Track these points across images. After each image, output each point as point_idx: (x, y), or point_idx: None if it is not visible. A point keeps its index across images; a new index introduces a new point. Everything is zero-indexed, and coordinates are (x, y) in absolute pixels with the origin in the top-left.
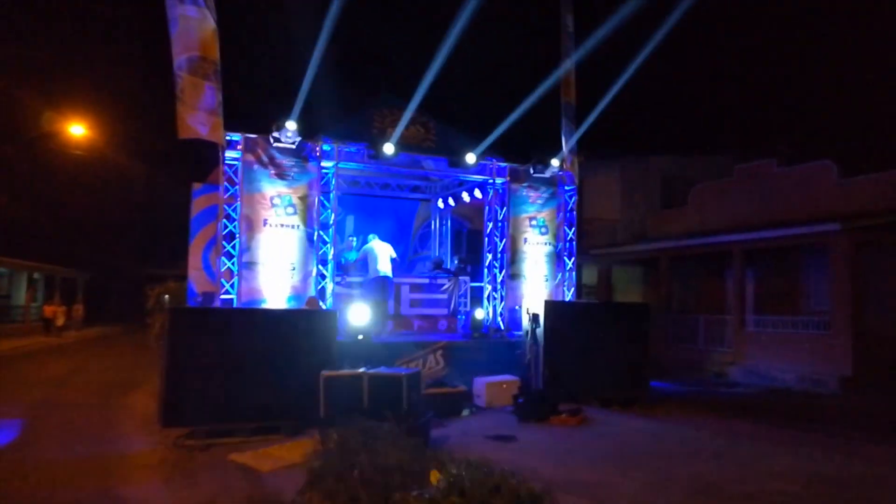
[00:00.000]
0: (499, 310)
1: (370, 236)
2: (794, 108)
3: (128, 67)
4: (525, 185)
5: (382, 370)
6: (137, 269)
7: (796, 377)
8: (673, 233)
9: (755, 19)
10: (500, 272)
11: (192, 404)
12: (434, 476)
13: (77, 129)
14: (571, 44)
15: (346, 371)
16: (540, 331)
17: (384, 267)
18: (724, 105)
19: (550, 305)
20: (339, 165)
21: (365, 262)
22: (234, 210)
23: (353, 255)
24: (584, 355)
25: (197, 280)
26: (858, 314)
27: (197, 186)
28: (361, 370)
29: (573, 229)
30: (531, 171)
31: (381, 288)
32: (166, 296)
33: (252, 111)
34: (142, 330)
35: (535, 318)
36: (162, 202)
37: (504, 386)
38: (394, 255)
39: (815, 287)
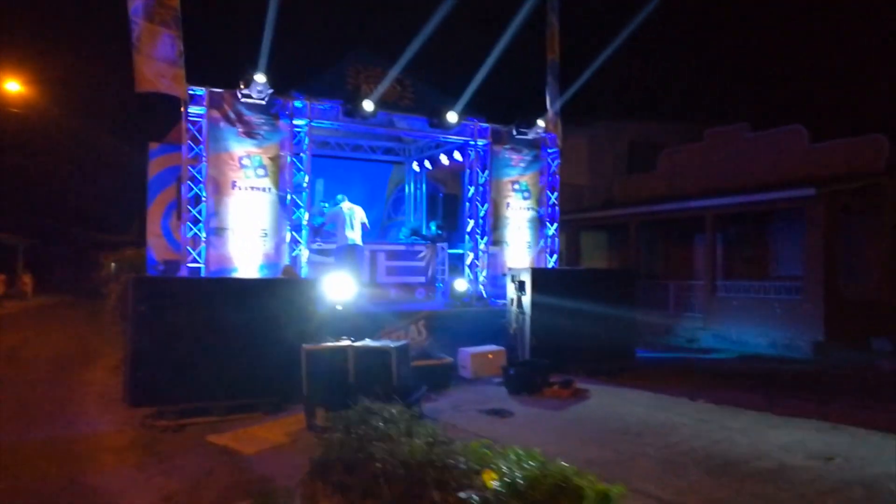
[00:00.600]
0: (480, 278)
1: (339, 197)
2: (762, 74)
3: (75, 15)
4: (507, 146)
5: (368, 342)
6: (84, 234)
7: (768, 342)
8: (641, 198)
9: None
10: (482, 238)
11: (162, 381)
12: (488, 476)
13: (12, 86)
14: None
15: (328, 344)
16: (526, 299)
17: (353, 233)
18: (692, 70)
19: (537, 272)
20: (313, 124)
21: (333, 228)
22: (199, 172)
23: (318, 220)
24: (570, 324)
25: (157, 247)
26: (831, 279)
27: (154, 146)
28: (346, 342)
29: (555, 193)
30: (514, 133)
31: (349, 256)
32: (112, 264)
33: (217, 63)
34: (93, 299)
35: (520, 285)
36: (111, 163)
37: (490, 356)
38: (365, 220)
39: (786, 252)
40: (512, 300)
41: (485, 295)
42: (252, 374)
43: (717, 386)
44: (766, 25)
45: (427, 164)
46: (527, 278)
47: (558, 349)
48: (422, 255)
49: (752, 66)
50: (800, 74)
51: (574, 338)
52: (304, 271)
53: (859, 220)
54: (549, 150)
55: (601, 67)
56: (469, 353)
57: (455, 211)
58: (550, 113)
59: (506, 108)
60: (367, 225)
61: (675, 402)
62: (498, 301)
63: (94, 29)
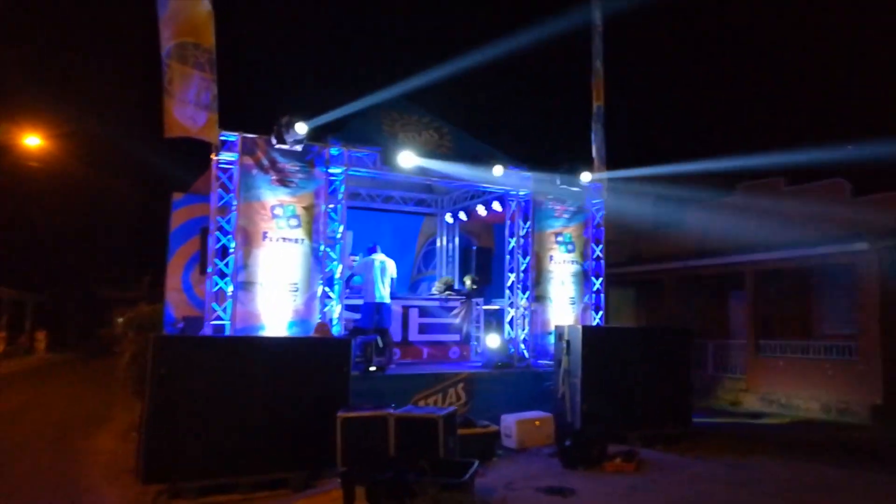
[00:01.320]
0: (522, 336)
1: (370, 245)
2: (793, 127)
3: (95, 63)
4: (550, 197)
5: (411, 410)
6: (96, 290)
7: (820, 406)
8: (671, 253)
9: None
10: (524, 294)
11: (181, 454)
12: None
13: (32, 140)
14: (601, 42)
15: (367, 412)
16: (575, 359)
17: (383, 290)
18: (719, 124)
19: (587, 331)
20: (349, 172)
21: (362, 280)
22: (228, 222)
23: (349, 276)
24: (624, 387)
25: (176, 303)
26: (888, 338)
27: (178, 196)
28: (387, 410)
29: (600, 246)
30: (558, 182)
31: (375, 313)
32: (120, 319)
33: (249, 108)
34: (104, 358)
35: (568, 345)
36: (130, 216)
37: (537, 423)
38: (395, 274)
39: (832, 310)
40: (559, 361)
41: (527, 355)
42: (281, 445)
43: (785, 458)
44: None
45: (462, 215)
46: (576, 337)
47: (612, 415)
48: (456, 311)
49: (782, 119)
50: (833, 128)
51: (628, 403)
52: (337, 329)
53: None
54: (594, 201)
55: (627, 121)
56: (514, 421)
57: (489, 265)
58: (596, 161)
59: (548, 155)
60: (395, 280)
61: (750, 477)
62: (540, 362)
63: (116, 76)
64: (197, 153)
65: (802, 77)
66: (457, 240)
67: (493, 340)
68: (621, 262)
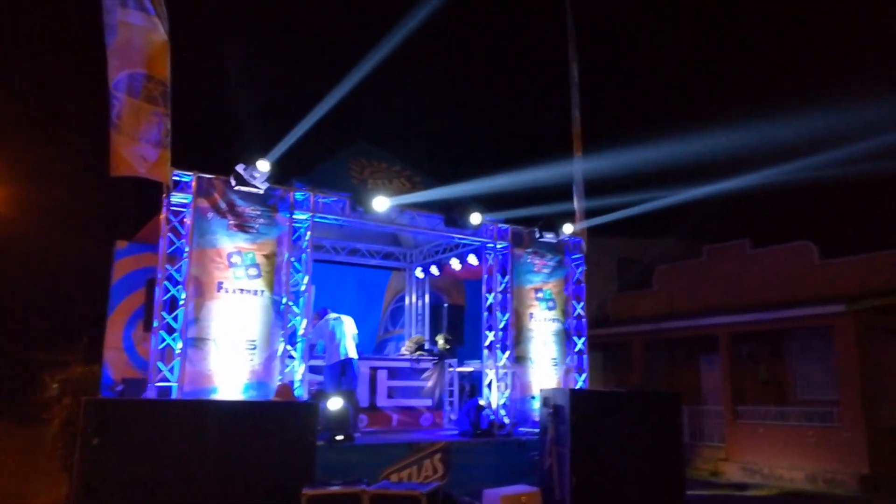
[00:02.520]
0: (501, 400)
1: (319, 309)
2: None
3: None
4: (529, 250)
5: (388, 486)
6: (24, 352)
7: (805, 476)
8: (638, 316)
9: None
10: (503, 354)
11: None
12: None
13: None
14: (577, 94)
15: (337, 488)
16: (564, 427)
17: (345, 344)
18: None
19: (577, 395)
20: (316, 219)
21: (322, 345)
22: (179, 270)
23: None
24: (615, 457)
25: (115, 363)
26: (870, 403)
27: (122, 245)
28: (360, 486)
29: (581, 304)
30: (537, 235)
31: (340, 374)
32: (55, 385)
33: (206, 147)
34: (32, 426)
35: (556, 411)
36: (63, 267)
37: (523, 500)
38: (354, 332)
39: (809, 373)
40: (545, 428)
41: (507, 421)
42: None
43: None
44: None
45: (434, 269)
46: (564, 402)
47: (604, 489)
48: (428, 373)
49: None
50: (798, 191)
51: (620, 475)
52: (300, 392)
53: (885, 338)
54: (574, 256)
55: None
56: (499, 497)
57: (461, 323)
58: (578, 214)
59: (525, 207)
60: (356, 339)
61: None
62: (521, 429)
63: (52, 107)
64: (144, 195)
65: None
66: (427, 297)
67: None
68: (588, 324)
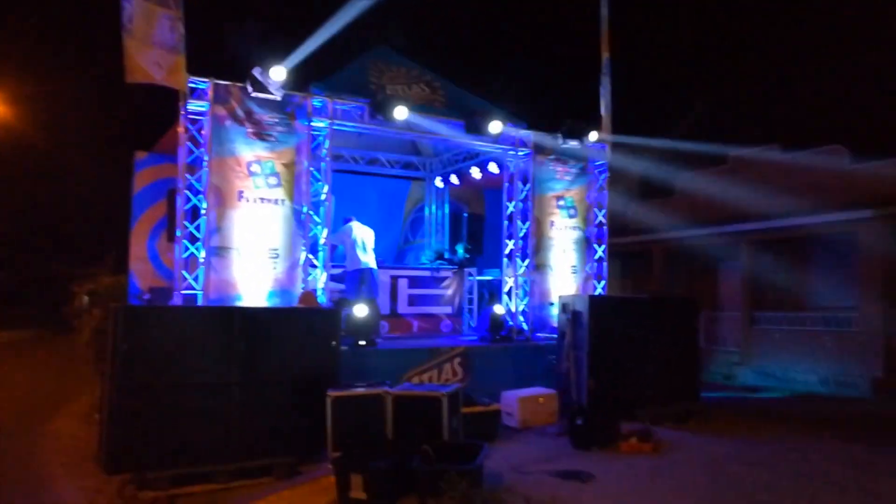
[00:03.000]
0: (520, 307)
1: (346, 217)
2: (784, 92)
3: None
4: (552, 157)
5: (410, 388)
6: (55, 267)
7: (818, 379)
8: (660, 224)
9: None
10: (523, 262)
11: (149, 440)
12: None
13: None
14: None
15: (361, 390)
16: (582, 332)
17: (365, 256)
18: (708, 90)
19: (595, 301)
20: (334, 126)
21: (342, 250)
22: (199, 180)
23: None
24: (632, 362)
25: (141, 273)
26: (890, 309)
27: (141, 156)
28: (383, 388)
29: (603, 211)
30: (560, 141)
31: (360, 281)
32: (85, 296)
33: (223, 52)
34: (64, 334)
35: (575, 316)
36: (88, 180)
37: (541, 401)
38: (373, 244)
39: (830, 280)
40: (563, 333)
41: (526, 327)
42: (263, 428)
43: (802, 434)
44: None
45: (454, 178)
46: (583, 308)
47: (620, 390)
48: (447, 282)
49: (772, 84)
50: (827, 91)
51: (637, 378)
52: (322, 299)
53: None
54: (597, 163)
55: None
56: (516, 398)
57: (480, 233)
58: (603, 118)
59: (550, 112)
60: (374, 250)
61: (778, 458)
62: (539, 335)
63: (63, 20)
64: (162, 104)
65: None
66: (447, 207)
67: (498, 310)
68: (610, 232)
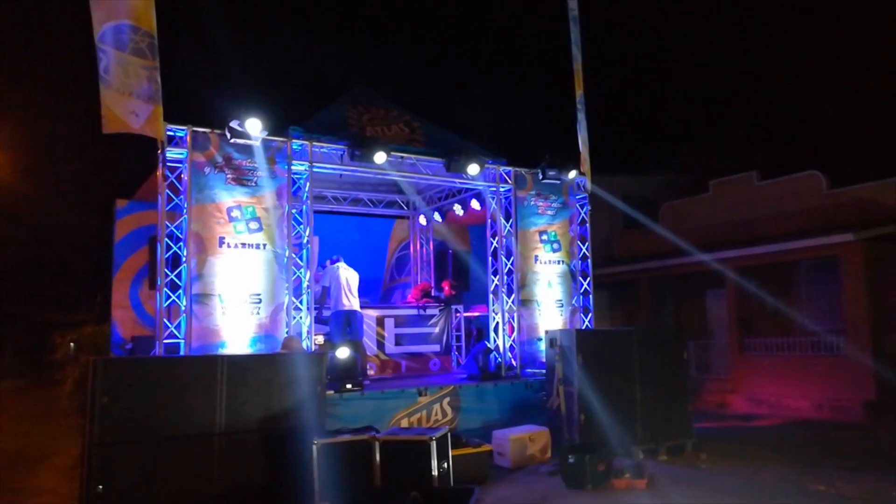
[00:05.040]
0: (508, 343)
1: (333, 256)
2: (762, 121)
3: (24, 60)
4: (533, 192)
5: (397, 432)
6: (39, 314)
7: (812, 405)
8: (644, 253)
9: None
10: (509, 297)
11: (131, 497)
12: None
13: None
14: (577, 29)
15: (347, 436)
16: (571, 367)
17: (348, 298)
18: (687, 122)
19: (583, 336)
20: (314, 169)
21: (327, 292)
22: (179, 228)
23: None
24: (623, 395)
25: (123, 322)
26: (877, 331)
27: (122, 204)
28: (370, 434)
29: (587, 244)
30: (540, 176)
31: (344, 323)
32: (71, 344)
33: (200, 100)
34: (46, 386)
35: (563, 351)
36: (70, 229)
37: (531, 439)
38: (356, 285)
39: (816, 304)
40: (552, 369)
41: (514, 364)
42: (248, 478)
43: (801, 463)
44: (761, 77)
45: (436, 216)
46: (570, 343)
47: (612, 426)
48: (434, 319)
49: (751, 114)
50: (806, 120)
51: (628, 412)
52: (307, 343)
53: (893, 267)
54: (578, 196)
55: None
56: (507, 437)
57: (466, 269)
58: (582, 152)
59: (528, 149)
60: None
61: (780, 491)
62: (528, 370)
63: (46, 76)
64: (140, 153)
65: (776, 68)
66: (431, 244)
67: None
68: (594, 263)
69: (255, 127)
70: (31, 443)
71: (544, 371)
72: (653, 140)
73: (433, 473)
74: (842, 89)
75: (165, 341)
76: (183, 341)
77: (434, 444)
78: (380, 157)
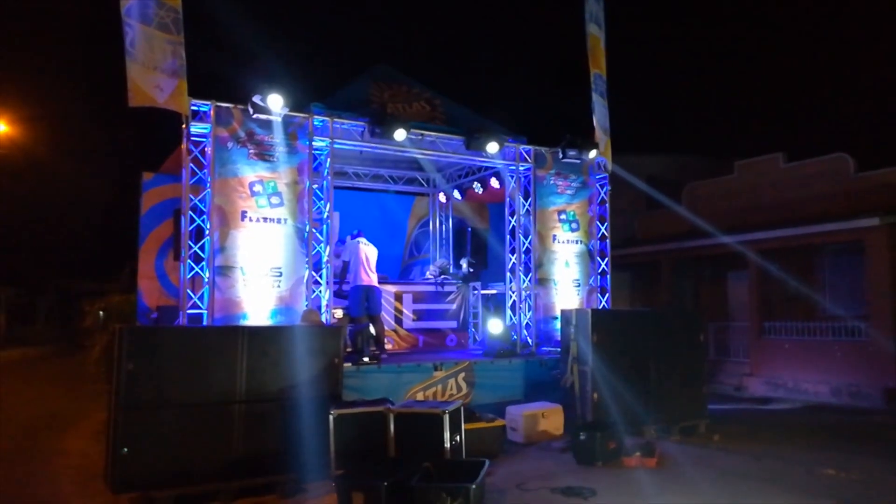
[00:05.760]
0: (524, 321)
1: (355, 231)
2: (789, 103)
3: (55, 37)
4: (552, 172)
5: (411, 405)
6: (70, 283)
7: (830, 390)
8: (667, 234)
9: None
10: (526, 276)
11: (154, 459)
12: None
13: None
14: (596, 5)
15: (362, 407)
16: (586, 346)
17: (367, 274)
18: (713, 101)
19: (598, 315)
20: (335, 145)
21: (347, 267)
22: (203, 201)
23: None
24: (636, 375)
25: (149, 292)
26: None
27: (148, 177)
28: (385, 406)
29: (605, 224)
30: (560, 156)
31: (363, 298)
32: (100, 312)
33: (224, 75)
34: (75, 352)
35: (577, 330)
36: (100, 201)
37: (544, 416)
38: (375, 261)
39: (839, 289)
40: (567, 347)
41: (530, 342)
42: (267, 446)
43: (814, 446)
44: (790, 54)
45: (456, 194)
46: (585, 321)
47: (625, 405)
48: (452, 296)
49: (777, 95)
50: (833, 101)
51: (641, 391)
52: (326, 317)
53: None
54: (598, 176)
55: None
56: (520, 413)
57: (485, 247)
58: (599, 133)
59: (548, 128)
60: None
61: (789, 472)
62: (544, 349)
63: (78, 52)
64: (166, 127)
65: (802, 50)
66: (450, 221)
67: (494, 326)
68: (616, 244)
69: (276, 102)
70: (60, 407)
71: (559, 349)
72: (679, 121)
73: (445, 446)
74: (872, 71)
75: (189, 311)
76: (206, 312)
77: (447, 418)
78: (399, 135)
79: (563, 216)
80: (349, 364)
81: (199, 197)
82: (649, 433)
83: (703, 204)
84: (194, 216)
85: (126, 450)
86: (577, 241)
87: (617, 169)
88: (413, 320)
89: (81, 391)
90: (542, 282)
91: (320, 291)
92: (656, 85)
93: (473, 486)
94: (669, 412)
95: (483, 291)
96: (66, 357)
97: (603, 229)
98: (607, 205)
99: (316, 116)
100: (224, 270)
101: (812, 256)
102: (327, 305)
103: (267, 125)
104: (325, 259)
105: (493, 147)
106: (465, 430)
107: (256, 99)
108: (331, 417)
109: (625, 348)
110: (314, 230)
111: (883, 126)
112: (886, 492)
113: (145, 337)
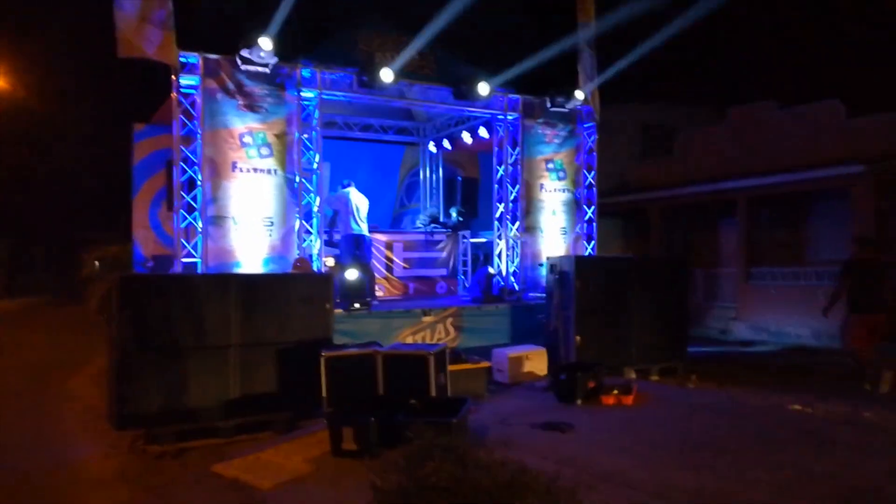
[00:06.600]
0: (511, 268)
1: (345, 181)
2: (783, 48)
3: None
4: (540, 121)
5: (399, 347)
6: (66, 232)
7: (811, 332)
8: (659, 182)
9: None
10: (513, 224)
11: (155, 398)
12: None
13: None
14: None
15: (352, 350)
16: (569, 292)
17: (358, 223)
18: (706, 47)
19: (582, 262)
20: (323, 96)
21: (337, 217)
22: (193, 152)
23: (329, 211)
24: (618, 319)
25: (144, 241)
26: None
27: (139, 128)
28: (374, 348)
29: (592, 173)
30: (548, 105)
31: (354, 246)
32: (96, 262)
33: (212, 26)
34: (75, 301)
35: (562, 276)
36: (94, 152)
37: (529, 358)
38: (366, 211)
39: (824, 236)
40: (551, 293)
41: (517, 288)
42: (262, 386)
43: (786, 388)
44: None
45: (446, 143)
46: (570, 268)
47: (606, 348)
48: (442, 244)
49: (770, 40)
50: (824, 46)
51: (623, 334)
52: (317, 265)
53: None
54: (586, 125)
55: (610, 46)
56: (506, 355)
57: (474, 196)
58: (585, 82)
59: (536, 77)
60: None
61: (754, 408)
62: (531, 294)
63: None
64: (157, 76)
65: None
66: (441, 171)
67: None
68: (606, 192)
69: (266, 44)
70: (61, 354)
71: (545, 295)
72: (673, 69)
73: (431, 385)
74: (865, 16)
75: (184, 260)
76: (200, 260)
77: (433, 359)
78: (386, 76)
79: (550, 165)
80: (340, 310)
81: (190, 148)
82: (629, 374)
83: (697, 152)
84: (186, 167)
85: (125, 393)
86: (564, 190)
87: (611, 115)
88: (404, 268)
89: (81, 338)
90: (530, 230)
91: (311, 240)
92: (651, 34)
93: (454, 421)
94: (649, 354)
95: (473, 240)
96: (66, 306)
97: (590, 178)
98: (595, 154)
99: (304, 67)
100: (216, 220)
101: (801, 203)
102: (318, 254)
103: (255, 76)
104: (315, 209)
105: (483, 88)
106: (451, 371)
107: (244, 51)
108: (322, 359)
109: (608, 293)
110: (304, 180)
111: (875, 72)
112: (847, 426)
113: (142, 284)
